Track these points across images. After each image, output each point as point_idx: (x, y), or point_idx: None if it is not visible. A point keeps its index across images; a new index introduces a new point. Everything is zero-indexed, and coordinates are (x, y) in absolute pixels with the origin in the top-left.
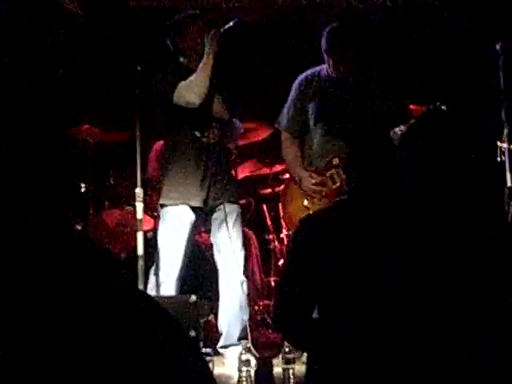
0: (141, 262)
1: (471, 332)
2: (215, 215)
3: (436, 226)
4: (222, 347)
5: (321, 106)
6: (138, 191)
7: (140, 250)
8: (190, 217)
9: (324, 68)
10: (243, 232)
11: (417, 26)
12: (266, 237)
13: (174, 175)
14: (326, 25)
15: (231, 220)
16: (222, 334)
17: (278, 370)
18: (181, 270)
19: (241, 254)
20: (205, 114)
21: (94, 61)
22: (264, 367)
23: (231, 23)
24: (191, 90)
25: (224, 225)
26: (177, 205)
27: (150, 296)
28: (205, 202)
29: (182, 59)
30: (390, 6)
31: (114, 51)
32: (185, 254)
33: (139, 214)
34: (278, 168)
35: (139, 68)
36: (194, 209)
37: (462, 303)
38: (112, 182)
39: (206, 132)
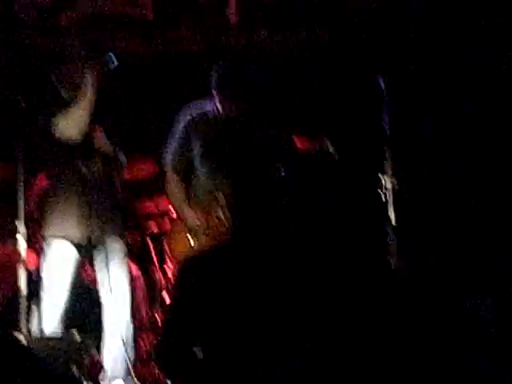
0: (23, 301)
1: None
2: (99, 252)
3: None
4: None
5: (207, 145)
6: (19, 224)
7: (23, 289)
8: (73, 252)
9: (208, 103)
10: (128, 266)
11: (308, 61)
12: (150, 269)
13: (56, 210)
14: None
15: (115, 257)
16: (105, 370)
17: None
18: (64, 307)
19: (126, 291)
20: (87, 147)
21: None
22: None
23: (111, 56)
24: (70, 124)
25: (108, 262)
26: (60, 239)
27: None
28: (88, 238)
29: (63, 92)
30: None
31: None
32: (68, 290)
33: (22, 251)
34: (165, 205)
35: (23, 103)
36: (77, 245)
37: None
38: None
39: (89, 166)
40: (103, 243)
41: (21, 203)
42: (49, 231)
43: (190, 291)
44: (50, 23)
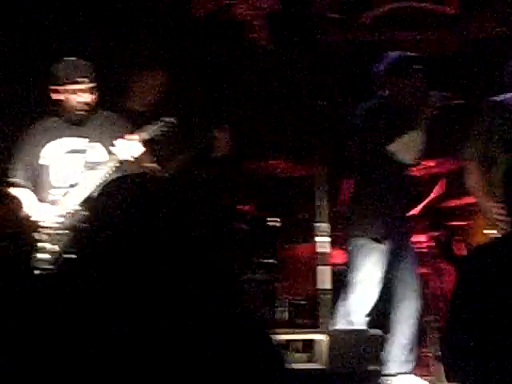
0: (322, 296)
1: None
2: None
3: None
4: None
5: (509, 137)
6: (322, 225)
7: (325, 284)
8: (377, 250)
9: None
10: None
11: None
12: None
13: (370, 208)
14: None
15: (408, 254)
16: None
17: None
18: (368, 304)
19: (417, 286)
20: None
21: (282, 95)
22: None
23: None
24: (409, 151)
25: (400, 259)
26: (372, 238)
27: None
28: (386, 237)
29: (392, 106)
30: None
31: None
32: (379, 288)
33: (321, 248)
34: (467, 200)
35: (324, 103)
36: (379, 243)
37: None
38: (302, 216)
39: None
40: (396, 241)
41: (323, 203)
42: (356, 231)
43: (471, 285)
44: (352, 21)
